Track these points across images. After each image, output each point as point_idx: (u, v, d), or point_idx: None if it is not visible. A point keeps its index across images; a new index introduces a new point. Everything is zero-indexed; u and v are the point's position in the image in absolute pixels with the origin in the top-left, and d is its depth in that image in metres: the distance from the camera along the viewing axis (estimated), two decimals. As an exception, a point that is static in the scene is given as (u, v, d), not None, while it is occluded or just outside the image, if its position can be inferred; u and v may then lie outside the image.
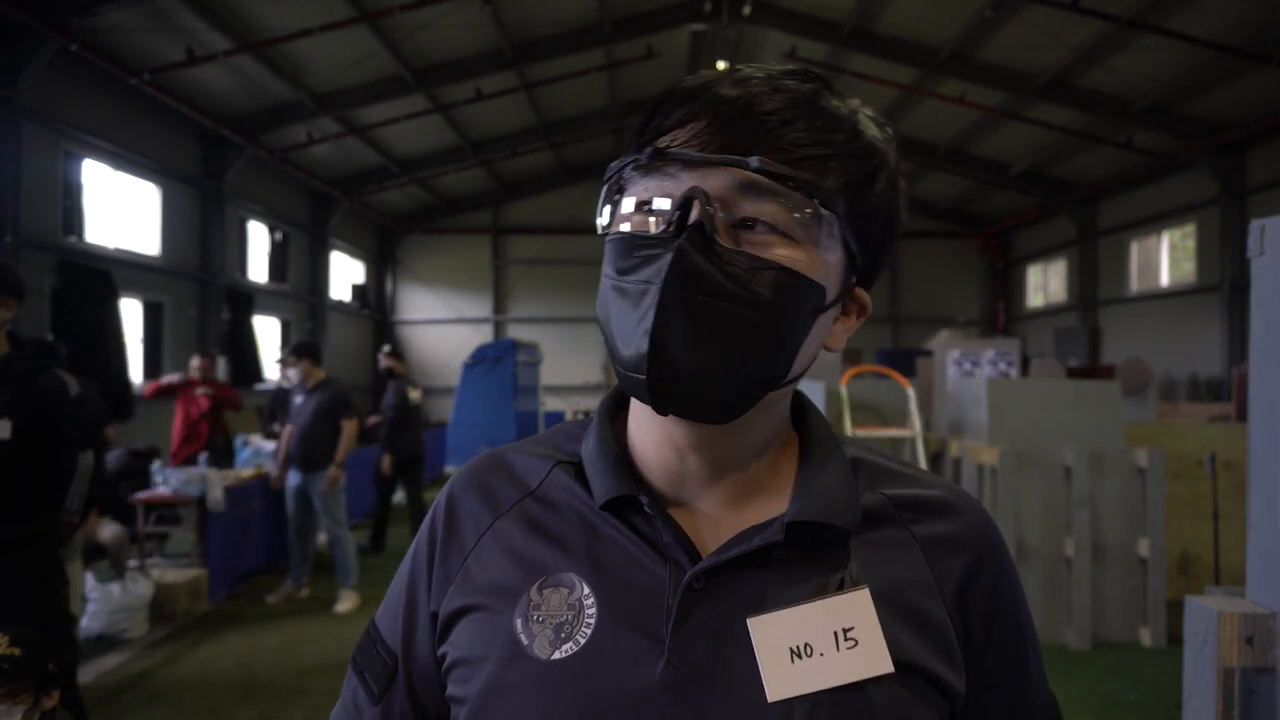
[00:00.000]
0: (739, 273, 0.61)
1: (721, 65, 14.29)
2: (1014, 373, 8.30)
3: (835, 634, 0.64)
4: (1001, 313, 20.44)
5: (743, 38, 14.16)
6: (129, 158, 10.78)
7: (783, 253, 0.63)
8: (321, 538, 7.38)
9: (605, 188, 0.69)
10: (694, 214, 0.61)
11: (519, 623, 0.67)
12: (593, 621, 0.66)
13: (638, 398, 0.65)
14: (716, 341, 0.61)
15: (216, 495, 5.90)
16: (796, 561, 0.67)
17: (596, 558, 0.69)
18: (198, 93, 11.43)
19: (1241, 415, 8.01)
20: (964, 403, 5.78)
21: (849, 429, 5.49)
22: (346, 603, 5.81)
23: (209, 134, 12.26)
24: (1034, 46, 11.52)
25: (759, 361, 0.64)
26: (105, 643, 5.02)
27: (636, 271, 0.63)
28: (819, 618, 0.65)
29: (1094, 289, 16.68)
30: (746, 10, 12.48)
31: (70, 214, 9.82)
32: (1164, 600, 5.12)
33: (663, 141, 0.65)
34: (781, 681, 0.63)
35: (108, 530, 5.38)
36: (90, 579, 5.25)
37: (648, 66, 14.43)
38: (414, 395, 7.70)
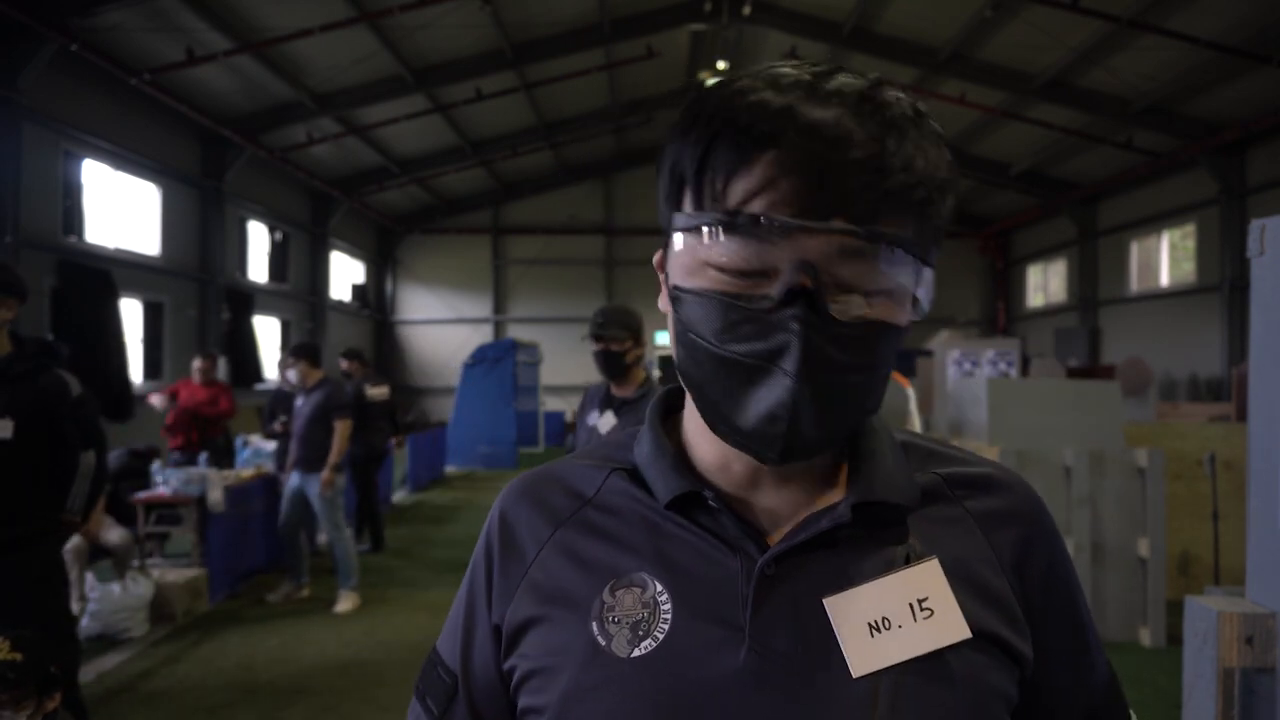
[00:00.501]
0: (853, 342, 0.61)
1: (722, 65, 14.36)
2: (1014, 373, 8.31)
3: (911, 605, 0.66)
4: (1001, 313, 20.45)
5: (743, 38, 14.17)
6: (129, 158, 10.78)
7: (882, 308, 0.62)
8: (322, 538, 7.38)
9: (676, 237, 0.65)
10: (796, 279, 0.59)
11: (594, 625, 0.68)
12: (669, 617, 0.67)
13: (753, 454, 0.65)
14: (840, 410, 0.63)
15: (216, 495, 5.91)
16: (861, 541, 0.69)
17: (665, 555, 0.70)
18: (198, 93, 11.44)
19: (1241, 415, 8.01)
20: (964, 403, 5.79)
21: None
22: (346, 603, 5.81)
23: (209, 134, 12.26)
24: (1034, 46, 11.53)
25: (866, 410, 0.67)
26: (105, 643, 5.02)
27: (746, 343, 0.61)
28: (894, 591, 0.66)
29: (1094, 289, 16.69)
30: (746, 10, 12.48)
31: (70, 214, 9.83)
32: (1164, 600, 5.12)
33: (754, 205, 0.60)
34: (864, 657, 0.64)
35: (115, 534, 5.38)
36: (90, 579, 5.26)
37: (648, 66, 14.44)
38: (371, 392, 7.64)
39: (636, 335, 3.41)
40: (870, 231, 0.59)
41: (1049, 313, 18.83)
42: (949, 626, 0.66)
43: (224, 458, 7.16)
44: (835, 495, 0.71)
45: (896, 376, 6.09)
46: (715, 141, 0.62)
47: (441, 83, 13.16)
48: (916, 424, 5.63)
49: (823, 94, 0.60)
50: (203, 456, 6.46)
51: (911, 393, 5.78)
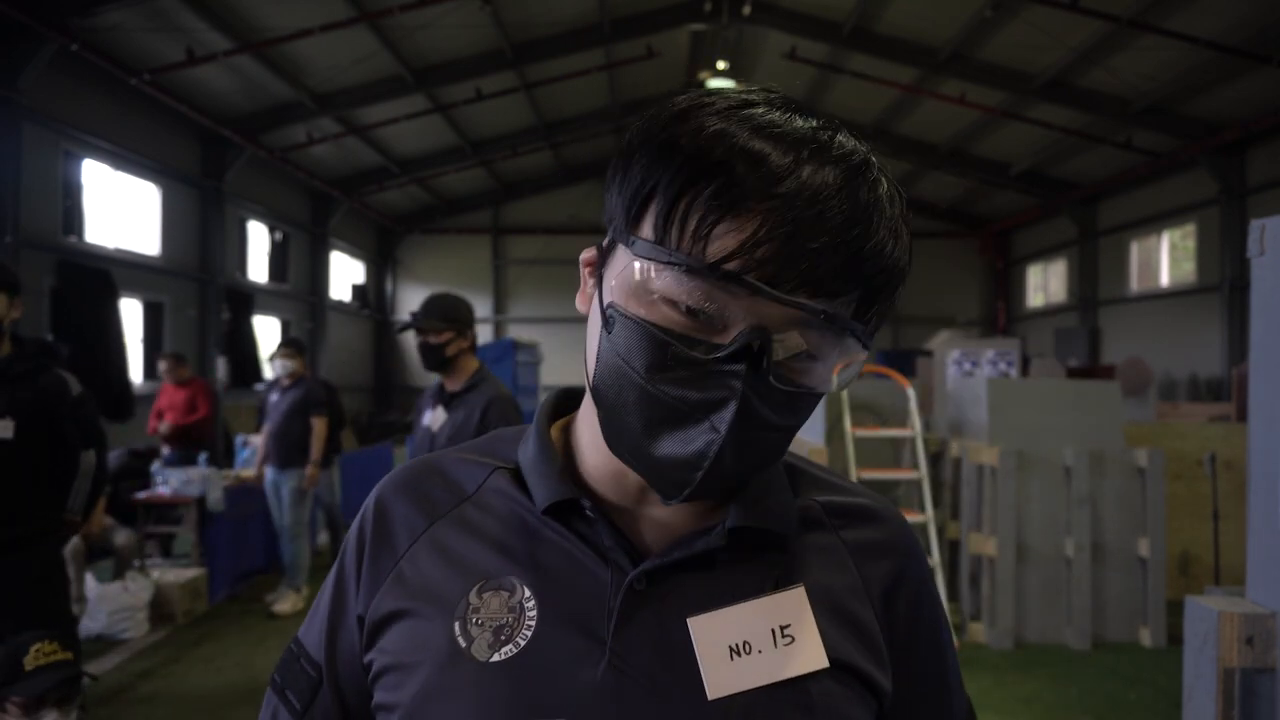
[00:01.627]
0: (784, 405, 0.61)
1: (722, 65, 14.35)
2: (1014, 373, 8.31)
3: (773, 631, 0.66)
4: (1001, 313, 20.45)
5: (743, 38, 14.16)
6: (129, 158, 10.78)
7: (814, 376, 0.62)
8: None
9: (625, 255, 0.62)
10: (749, 341, 0.58)
11: (457, 626, 0.67)
12: (533, 623, 0.66)
13: (651, 485, 0.64)
14: (752, 464, 0.63)
15: (216, 495, 5.91)
16: (736, 564, 0.69)
17: (537, 561, 0.69)
18: (198, 93, 11.44)
19: (1241, 415, 8.01)
20: (964, 403, 5.78)
21: (848, 429, 5.49)
22: (285, 603, 5.75)
23: (209, 134, 12.26)
24: (1034, 46, 11.53)
25: (774, 462, 0.68)
26: (105, 643, 5.02)
27: (680, 388, 0.59)
28: (757, 616, 0.66)
29: (1094, 289, 16.69)
30: (746, 10, 12.48)
31: (70, 214, 9.83)
32: (1164, 600, 5.13)
33: (733, 263, 0.57)
34: (721, 680, 0.64)
35: (121, 535, 5.38)
36: (90, 579, 5.26)
37: (648, 66, 14.44)
38: None
39: (460, 326, 3.20)
40: (832, 314, 0.58)
41: (1049, 313, 18.82)
42: (808, 655, 0.66)
43: (224, 458, 7.14)
44: (717, 514, 0.70)
45: (896, 377, 6.09)
46: (704, 179, 0.58)
47: (441, 83, 13.15)
48: (916, 424, 5.63)
49: (824, 158, 0.59)
50: (203, 456, 6.46)
51: (911, 393, 5.77)
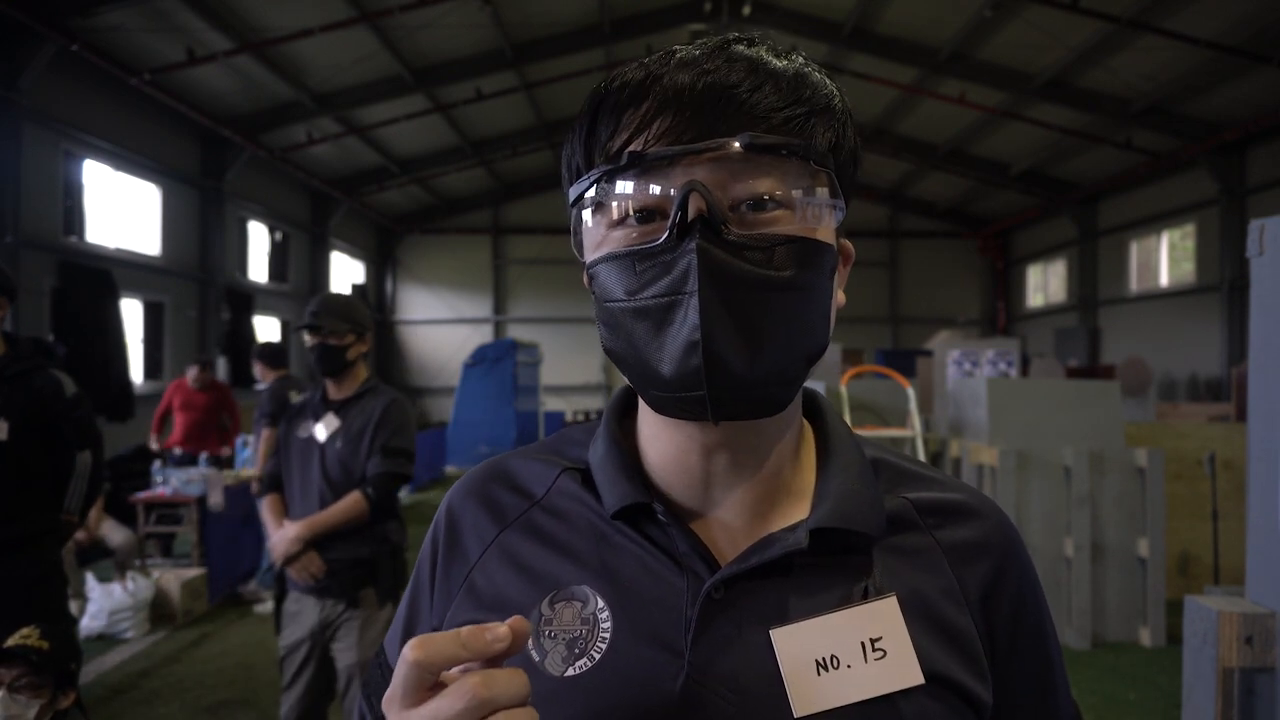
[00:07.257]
0: (760, 256, 0.59)
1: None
2: (1014, 373, 8.30)
3: (863, 644, 0.62)
4: (1001, 313, 20.44)
5: (743, 38, 14.16)
6: (129, 158, 10.78)
7: (791, 225, 0.60)
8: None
9: (574, 214, 0.64)
10: (693, 209, 0.57)
11: (529, 639, 0.64)
12: (608, 636, 0.63)
13: (683, 416, 0.62)
14: (763, 334, 0.59)
15: (217, 495, 5.91)
16: (819, 569, 0.65)
17: (610, 569, 0.66)
18: (198, 93, 11.44)
19: (1241, 415, 8.02)
20: (964, 403, 5.78)
21: (849, 429, 5.50)
22: (268, 605, 5.77)
23: (209, 134, 12.26)
24: (1034, 46, 11.53)
25: (804, 340, 0.62)
26: (105, 643, 5.02)
27: (652, 286, 0.59)
28: (846, 627, 0.62)
29: (1094, 289, 16.69)
30: (746, 10, 12.48)
31: (70, 214, 9.83)
32: (1164, 600, 5.13)
33: (636, 145, 0.60)
34: (808, 695, 0.60)
35: (119, 535, 5.38)
36: (90, 579, 5.26)
37: (648, 66, 14.43)
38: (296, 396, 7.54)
39: (359, 328, 2.99)
40: (750, 139, 0.58)
41: (1049, 313, 18.82)
42: (902, 670, 0.62)
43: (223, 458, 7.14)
44: (797, 512, 0.67)
45: (896, 377, 6.09)
46: (594, 116, 0.63)
47: (441, 83, 13.16)
48: (917, 424, 5.63)
49: (684, 59, 0.62)
50: (203, 456, 6.46)
51: (911, 393, 5.77)
